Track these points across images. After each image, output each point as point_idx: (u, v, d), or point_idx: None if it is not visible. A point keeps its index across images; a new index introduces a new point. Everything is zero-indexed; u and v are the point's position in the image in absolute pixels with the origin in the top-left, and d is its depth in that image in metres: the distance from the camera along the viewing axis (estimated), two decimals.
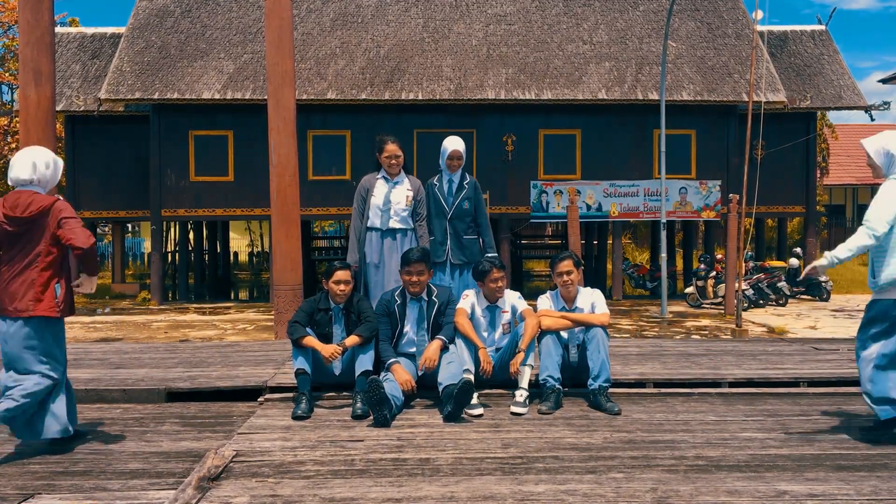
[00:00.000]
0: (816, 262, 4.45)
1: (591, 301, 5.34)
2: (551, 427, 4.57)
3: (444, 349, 5.11)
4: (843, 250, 4.29)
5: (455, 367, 4.93)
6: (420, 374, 5.16)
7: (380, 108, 17.08)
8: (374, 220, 5.79)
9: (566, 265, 5.31)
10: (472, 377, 4.86)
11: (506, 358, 5.20)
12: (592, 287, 5.62)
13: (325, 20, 18.47)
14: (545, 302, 5.39)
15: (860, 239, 4.23)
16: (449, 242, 5.89)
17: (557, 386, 5.05)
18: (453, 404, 4.67)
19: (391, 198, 5.77)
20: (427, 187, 5.98)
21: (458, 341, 5.13)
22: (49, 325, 4.23)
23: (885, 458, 3.97)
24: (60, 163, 4.39)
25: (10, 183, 4.29)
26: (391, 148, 5.80)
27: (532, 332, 5.11)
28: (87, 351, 7.24)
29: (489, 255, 5.74)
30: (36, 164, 4.25)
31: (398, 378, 4.95)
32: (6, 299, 4.17)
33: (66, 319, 4.42)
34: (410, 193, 5.83)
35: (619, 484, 3.56)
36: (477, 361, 5.08)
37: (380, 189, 5.80)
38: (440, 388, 4.86)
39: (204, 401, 5.39)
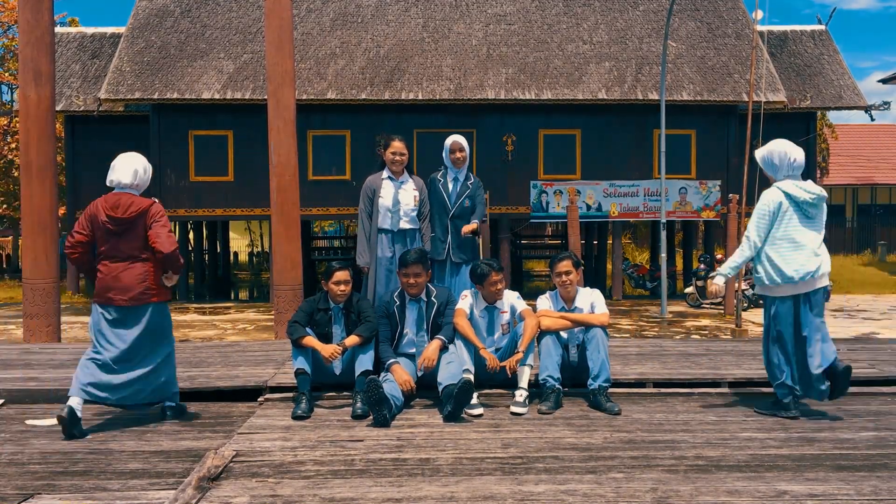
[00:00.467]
0: (716, 285, 5.01)
1: (591, 301, 5.34)
2: (551, 427, 4.57)
3: (444, 349, 5.11)
4: (731, 266, 4.94)
5: (455, 366, 4.93)
6: (419, 373, 5.16)
7: (380, 108, 17.08)
8: (384, 222, 5.80)
9: (565, 265, 5.31)
10: (471, 377, 4.86)
11: (506, 358, 5.20)
12: (592, 287, 5.62)
13: (325, 20, 18.47)
14: (544, 302, 5.39)
15: (744, 253, 4.85)
16: (450, 240, 5.90)
17: (557, 386, 5.05)
18: (453, 404, 4.67)
19: (400, 199, 5.79)
20: (430, 182, 6.00)
21: (458, 341, 5.13)
22: (164, 307, 4.84)
23: (885, 458, 3.97)
24: (151, 168, 4.94)
25: (108, 184, 4.78)
26: (398, 145, 5.82)
27: (531, 333, 5.10)
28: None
29: (484, 259, 5.64)
30: (137, 170, 4.79)
31: (397, 378, 4.95)
32: (117, 291, 4.65)
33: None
34: (417, 193, 5.86)
35: (619, 484, 3.56)
36: (477, 361, 5.08)
37: (387, 190, 5.81)
38: (440, 388, 4.86)
39: (204, 401, 5.38)
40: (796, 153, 4.89)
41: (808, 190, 4.82)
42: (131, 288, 4.64)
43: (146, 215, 4.66)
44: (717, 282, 5.01)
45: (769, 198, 4.83)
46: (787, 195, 4.81)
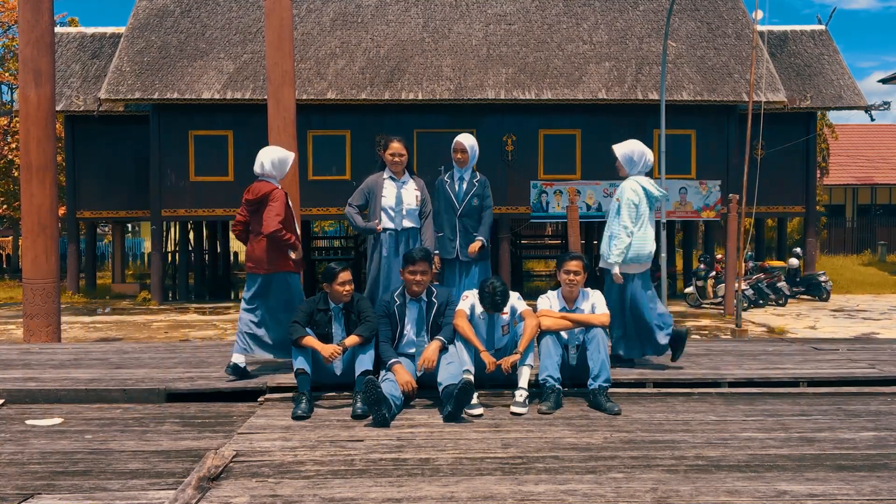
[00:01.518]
0: (616, 276, 5.65)
1: (592, 302, 5.34)
2: (551, 427, 4.57)
3: (444, 349, 5.11)
4: (618, 255, 5.61)
5: (455, 367, 4.92)
6: (419, 374, 5.16)
7: (380, 108, 17.08)
8: (387, 221, 5.82)
9: (575, 265, 5.32)
10: (472, 377, 4.86)
11: (506, 355, 5.20)
12: (592, 288, 5.62)
13: (325, 20, 18.47)
14: (545, 302, 5.39)
15: (623, 241, 5.60)
16: (458, 239, 5.91)
17: (557, 386, 5.05)
18: (453, 404, 4.67)
19: (403, 198, 5.82)
20: (437, 183, 6.03)
21: (458, 342, 5.12)
22: (290, 276, 5.63)
23: (885, 458, 3.97)
24: (289, 157, 5.76)
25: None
26: (396, 146, 5.84)
27: (531, 333, 5.10)
28: (87, 351, 7.23)
29: (496, 285, 5.23)
30: (264, 163, 5.64)
31: (399, 379, 4.94)
32: (252, 261, 5.62)
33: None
34: (418, 193, 5.89)
35: (619, 484, 3.56)
36: (477, 362, 5.07)
37: (389, 190, 5.83)
38: (440, 389, 4.86)
39: (204, 401, 5.38)
40: (650, 154, 5.85)
41: (658, 187, 5.79)
42: (261, 259, 5.54)
43: (267, 198, 5.50)
44: (616, 271, 5.65)
45: (634, 190, 5.70)
46: (644, 189, 5.72)
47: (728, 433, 4.42)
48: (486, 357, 5.03)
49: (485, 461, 3.92)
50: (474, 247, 5.92)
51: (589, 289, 5.50)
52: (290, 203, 5.67)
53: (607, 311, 5.32)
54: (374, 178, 5.93)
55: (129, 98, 16.56)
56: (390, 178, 5.88)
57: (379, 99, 16.64)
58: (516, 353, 5.03)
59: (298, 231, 5.82)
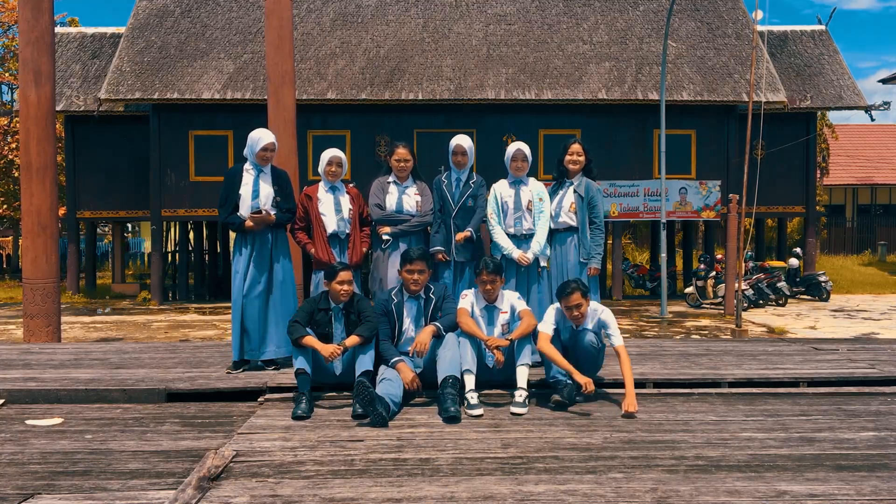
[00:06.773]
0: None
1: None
2: (551, 427, 4.57)
3: (439, 337, 5.13)
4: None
5: (454, 359, 4.95)
6: (412, 356, 5.18)
7: (380, 108, 17.07)
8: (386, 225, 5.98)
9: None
10: (472, 376, 4.90)
11: (506, 357, 5.20)
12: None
13: (325, 20, 18.47)
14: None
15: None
16: (452, 240, 5.93)
17: (568, 381, 5.03)
18: (452, 397, 4.72)
19: (403, 203, 5.97)
20: (434, 183, 6.09)
21: (461, 339, 5.12)
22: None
23: (885, 458, 3.97)
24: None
25: None
26: (402, 152, 5.98)
27: (523, 330, 5.10)
28: (87, 351, 7.23)
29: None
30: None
31: (404, 377, 4.96)
32: None
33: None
34: (419, 198, 6.01)
35: (619, 484, 3.56)
36: (478, 362, 5.08)
37: (392, 196, 5.99)
38: (439, 382, 4.89)
39: (204, 401, 5.38)
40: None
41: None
42: None
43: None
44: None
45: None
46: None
47: (728, 433, 4.42)
48: (493, 347, 5.04)
49: (485, 461, 3.92)
50: (461, 236, 5.89)
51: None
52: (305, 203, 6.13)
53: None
54: (381, 180, 6.09)
55: (129, 98, 16.56)
56: (394, 182, 6.03)
57: (379, 99, 16.63)
58: (505, 340, 5.07)
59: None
